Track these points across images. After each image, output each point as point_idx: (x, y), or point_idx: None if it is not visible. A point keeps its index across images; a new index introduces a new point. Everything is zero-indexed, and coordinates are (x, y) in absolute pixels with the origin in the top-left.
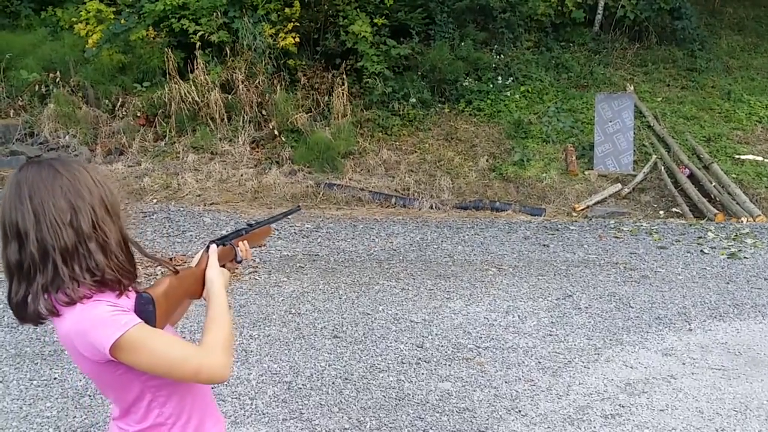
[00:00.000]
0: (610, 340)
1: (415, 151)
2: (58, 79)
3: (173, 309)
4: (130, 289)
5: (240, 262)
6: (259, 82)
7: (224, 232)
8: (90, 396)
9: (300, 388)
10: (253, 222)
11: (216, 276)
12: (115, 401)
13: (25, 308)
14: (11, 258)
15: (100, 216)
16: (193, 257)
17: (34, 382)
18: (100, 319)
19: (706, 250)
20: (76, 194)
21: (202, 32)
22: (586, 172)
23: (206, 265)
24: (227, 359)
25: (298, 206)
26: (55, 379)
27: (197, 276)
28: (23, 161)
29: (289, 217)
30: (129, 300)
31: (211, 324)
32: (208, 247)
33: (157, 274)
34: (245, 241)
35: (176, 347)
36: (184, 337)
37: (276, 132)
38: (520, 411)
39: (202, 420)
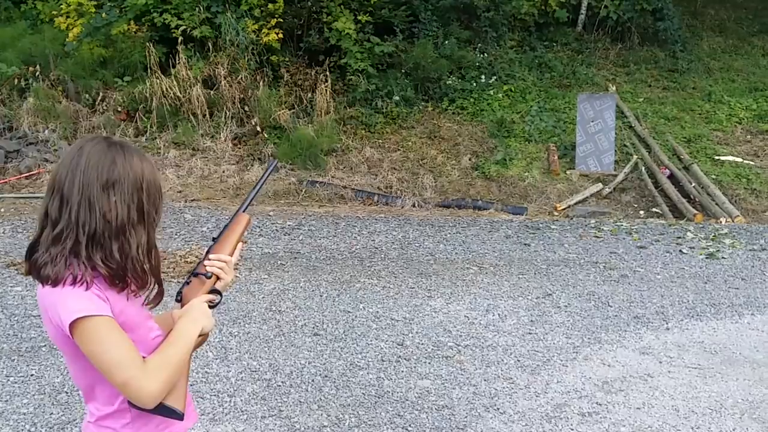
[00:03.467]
0: (589, 338)
1: (398, 149)
2: (37, 73)
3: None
4: (138, 295)
5: (209, 278)
6: (241, 78)
7: (204, 229)
8: (67, 393)
9: (279, 386)
10: (219, 231)
11: (183, 317)
12: (78, 378)
13: (38, 260)
14: (51, 211)
15: (131, 218)
16: (176, 253)
17: (11, 379)
18: (75, 294)
19: (684, 250)
20: (120, 189)
21: (185, 27)
22: (568, 172)
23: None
24: (159, 388)
25: (275, 161)
26: (32, 375)
27: (175, 317)
28: (1, 156)
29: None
30: (128, 302)
31: (166, 346)
32: (176, 297)
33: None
34: (218, 254)
35: (119, 351)
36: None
37: (258, 128)
38: (498, 409)
39: None
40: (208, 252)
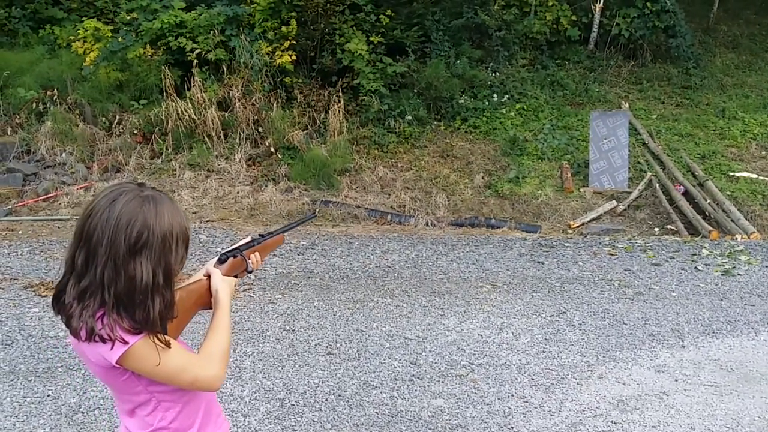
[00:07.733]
0: (604, 356)
1: (411, 168)
2: (55, 97)
3: (184, 319)
4: None
5: (251, 272)
6: (255, 99)
7: (220, 249)
8: (83, 413)
9: (293, 405)
10: (265, 233)
11: (221, 284)
12: (124, 402)
13: (70, 317)
14: (78, 262)
15: (157, 281)
16: (191, 273)
17: (28, 399)
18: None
19: (700, 267)
20: (148, 253)
21: (200, 50)
22: (582, 189)
23: (211, 276)
24: (221, 370)
25: (314, 213)
26: (48, 396)
27: (205, 287)
28: (20, 179)
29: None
30: None
31: (213, 333)
32: (219, 258)
33: None
34: (256, 252)
35: (176, 358)
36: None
37: (272, 149)
38: (512, 428)
39: (203, 427)
40: (252, 243)
